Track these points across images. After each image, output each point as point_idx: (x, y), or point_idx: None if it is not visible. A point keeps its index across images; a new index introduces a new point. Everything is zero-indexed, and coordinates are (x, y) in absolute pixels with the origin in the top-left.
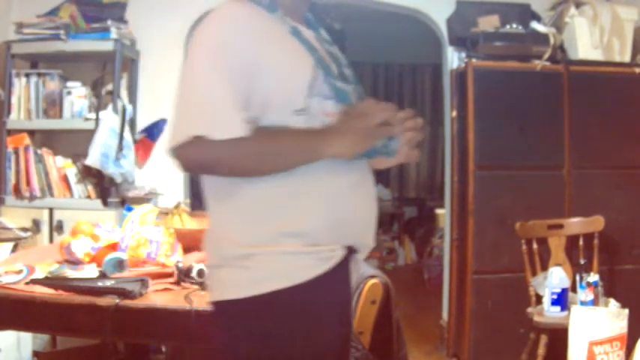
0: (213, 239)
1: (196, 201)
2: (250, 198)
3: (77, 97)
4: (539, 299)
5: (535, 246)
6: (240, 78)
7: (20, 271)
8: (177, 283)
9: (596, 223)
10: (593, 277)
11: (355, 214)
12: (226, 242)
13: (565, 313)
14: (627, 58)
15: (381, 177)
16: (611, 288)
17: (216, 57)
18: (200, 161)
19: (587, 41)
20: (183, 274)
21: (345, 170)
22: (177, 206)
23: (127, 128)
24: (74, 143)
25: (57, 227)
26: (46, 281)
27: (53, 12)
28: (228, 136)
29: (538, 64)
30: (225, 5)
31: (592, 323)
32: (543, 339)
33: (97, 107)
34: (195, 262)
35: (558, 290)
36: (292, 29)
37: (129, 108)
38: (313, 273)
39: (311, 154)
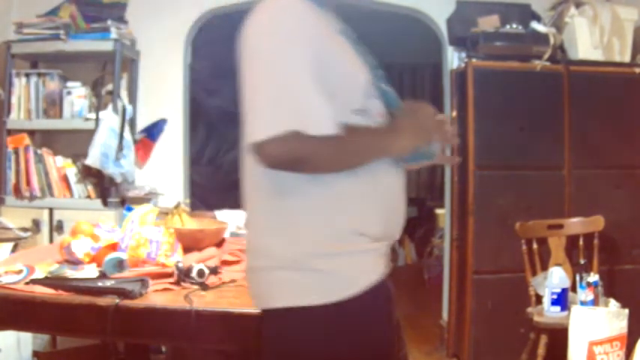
0: (271, 240)
1: (196, 201)
2: (320, 197)
3: (77, 97)
4: (539, 299)
5: (535, 246)
6: (316, 72)
7: (20, 271)
8: (177, 283)
9: (596, 223)
10: (593, 277)
11: (399, 211)
12: (290, 243)
13: (565, 313)
14: (627, 58)
15: None
16: (611, 288)
17: (293, 48)
18: (292, 157)
19: (587, 41)
20: (183, 274)
21: (394, 171)
22: (177, 206)
23: (127, 128)
24: (74, 143)
25: (57, 227)
26: (46, 281)
27: (53, 12)
28: (322, 132)
29: (538, 64)
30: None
31: (592, 323)
32: (543, 339)
33: (97, 107)
34: (195, 262)
35: (558, 290)
36: (341, 28)
37: (129, 108)
38: (380, 270)
39: (383, 152)
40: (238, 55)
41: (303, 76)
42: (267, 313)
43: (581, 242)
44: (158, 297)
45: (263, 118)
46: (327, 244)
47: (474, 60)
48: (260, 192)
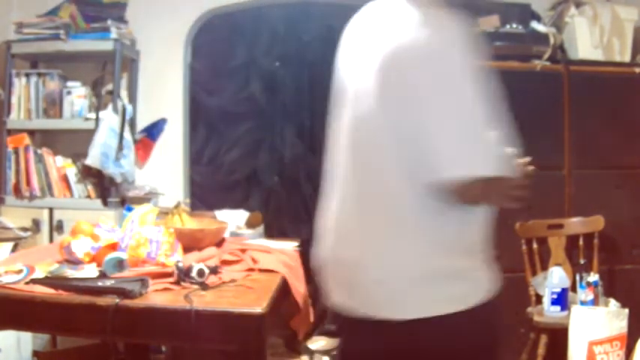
0: (414, 253)
1: (196, 201)
2: (461, 215)
3: (77, 96)
4: (539, 299)
5: (535, 246)
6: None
7: (20, 271)
8: (177, 282)
9: (596, 223)
10: (593, 277)
11: None
12: (434, 256)
13: (565, 312)
14: (627, 58)
15: None
16: (611, 288)
17: (473, 81)
18: (474, 197)
19: (587, 41)
20: (183, 274)
21: None
22: (177, 206)
23: (127, 128)
24: (74, 143)
25: (57, 227)
26: (46, 281)
27: (53, 12)
28: (494, 174)
29: (538, 64)
30: (448, 17)
31: (592, 323)
32: (543, 339)
33: (97, 107)
34: (195, 261)
35: (558, 290)
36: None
37: (129, 108)
38: (495, 279)
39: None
40: (377, 64)
41: (483, 114)
42: (413, 322)
43: (581, 242)
44: (158, 297)
45: (458, 156)
46: (467, 256)
47: None
48: (406, 209)
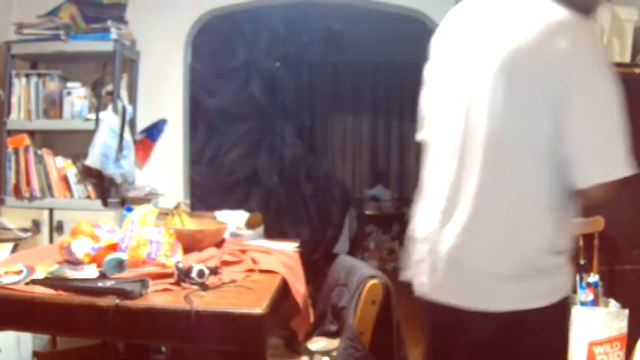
0: (533, 246)
1: (196, 201)
2: (568, 216)
3: (77, 97)
4: None
5: None
6: None
7: (20, 272)
8: (177, 283)
9: (596, 223)
10: (593, 277)
11: None
12: (546, 251)
13: None
14: (627, 59)
15: (381, 177)
16: (611, 288)
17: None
18: (611, 197)
19: None
20: (183, 275)
21: None
22: (177, 207)
23: (127, 128)
24: (74, 143)
25: (57, 227)
26: (46, 281)
27: (53, 12)
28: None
29: None
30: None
31: (592, 324)
32: None
33: (97, 107)
34: (195, 262)
35: None
36: None
37: (129, 108)
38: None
39: None
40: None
41: (621, 121)
42: (518, 313)
43: (581, 242)
44: (158, 297)
45: (611, 157)
46: (563, 253)
47: None
48: (533, 204)
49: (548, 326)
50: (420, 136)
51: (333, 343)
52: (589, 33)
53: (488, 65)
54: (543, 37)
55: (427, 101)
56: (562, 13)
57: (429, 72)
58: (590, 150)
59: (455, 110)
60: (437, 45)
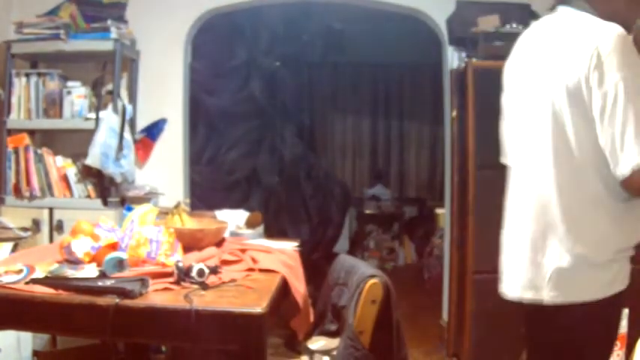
0: (589, 242)
1: (196, 201)
2: (622, 212)
3: (77, 96)
4: None
5: None
6: None
7: (20, 271)
8: (177, 282)
9: None
10: None
11: None
12: (602, 246)
13: None
14: None
15: (381, 177)
16: None
17: None
18: None
19: None
20: (183, 274)
21: None
22: (177, 206)
23: (127, 128)
24: (74, 143)
25: (57, 227)
26: (46, 281)
27: (53, 12)
28: None
29: None
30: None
31: None
32: None
33: (97, 107)
34: (195, 261)
35: None
36: None
37: (129, 108)
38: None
39: None
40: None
41: None
42: (582, 305)
43: None
44: (158, 297)
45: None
46: (618, 251)
47: (473, 60)
48: (580, 203)
49: (598, 320)
50: (503, 160)
51: (333, 343)
52: (631, 46)
53: (555, 91)
54: (595, 62)
55: (506, 129)
56: (614, 31)
57: (505, 101)
58: (626, 140)
59: (529, 133)
60: (509, 74)
